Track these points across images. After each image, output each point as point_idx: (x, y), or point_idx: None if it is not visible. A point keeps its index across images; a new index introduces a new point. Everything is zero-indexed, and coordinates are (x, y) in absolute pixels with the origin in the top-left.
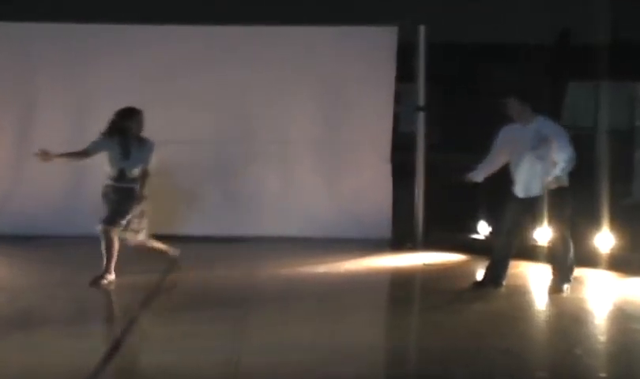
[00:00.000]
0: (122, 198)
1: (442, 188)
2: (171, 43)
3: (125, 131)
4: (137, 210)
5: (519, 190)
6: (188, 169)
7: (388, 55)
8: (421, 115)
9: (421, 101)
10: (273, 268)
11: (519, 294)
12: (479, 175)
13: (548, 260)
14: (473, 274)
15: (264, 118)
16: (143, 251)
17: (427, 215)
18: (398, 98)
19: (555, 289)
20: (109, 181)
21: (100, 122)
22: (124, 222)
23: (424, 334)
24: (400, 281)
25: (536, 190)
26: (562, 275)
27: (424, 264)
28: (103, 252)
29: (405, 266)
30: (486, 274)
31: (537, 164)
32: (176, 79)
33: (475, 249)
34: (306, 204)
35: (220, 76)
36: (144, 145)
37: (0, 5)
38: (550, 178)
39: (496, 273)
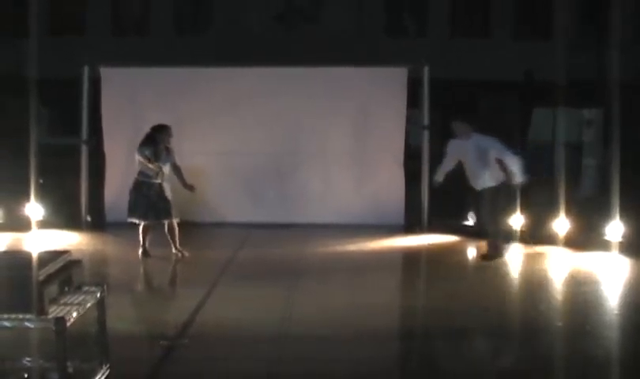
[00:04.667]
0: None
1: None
2: (239, 81)
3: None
4: None
5: (475, 185)
6: (253, 172)
7: (401, 88)
8: (426, 132)
9: (425, 121)
10: (316, 247)
11: (497, 266)
12: (439, 176)
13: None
14: (465, 251)
15: (309, 135)
16: None
17: (431, 206)
18: (409, 119)
19: (491, 257)
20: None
21: (190, 142)
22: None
23: (429, 296)
24: (412, 256)
25: (481, 185)
26: (496, 247)
27: (429, 244)
28: None
29: (415, 245)
30: (488, 249)
31: (480, 168)
32: (245, 107)
33: (466, 232)
34: (340, 198)
35: (277, 105)
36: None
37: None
38: (517, 180)
39: (497, 247)
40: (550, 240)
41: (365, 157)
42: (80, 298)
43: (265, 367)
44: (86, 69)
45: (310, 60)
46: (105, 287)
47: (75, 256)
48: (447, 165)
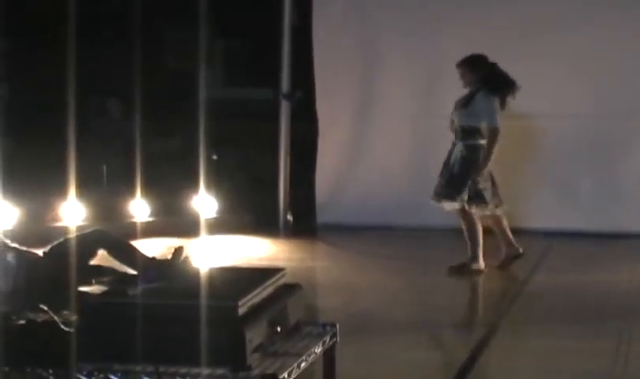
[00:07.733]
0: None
1: None
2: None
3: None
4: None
5: None
6: (555, 149)
7: None
8: None
9: None
10: None
11: None
12: None
13: None
14: None
15: None
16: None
17: None
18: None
19: None
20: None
21: (449, 94)
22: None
23: None
24: None
25: None
26: None
27: None
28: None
29: None
30: None
31: None
32: (539, 40)
33: None
34: None
35: (598, 32)
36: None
37: None
38: None
39: None
40: None
41: None
42: (301, 343)
43: None
44: None
45: None
46: (337, 327)
47: (290, 278)
48: None
